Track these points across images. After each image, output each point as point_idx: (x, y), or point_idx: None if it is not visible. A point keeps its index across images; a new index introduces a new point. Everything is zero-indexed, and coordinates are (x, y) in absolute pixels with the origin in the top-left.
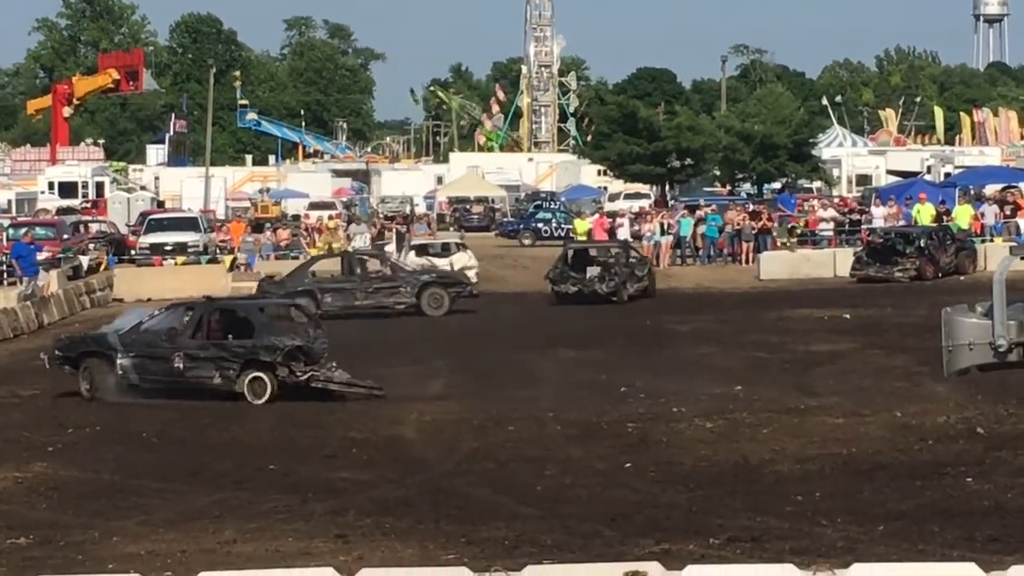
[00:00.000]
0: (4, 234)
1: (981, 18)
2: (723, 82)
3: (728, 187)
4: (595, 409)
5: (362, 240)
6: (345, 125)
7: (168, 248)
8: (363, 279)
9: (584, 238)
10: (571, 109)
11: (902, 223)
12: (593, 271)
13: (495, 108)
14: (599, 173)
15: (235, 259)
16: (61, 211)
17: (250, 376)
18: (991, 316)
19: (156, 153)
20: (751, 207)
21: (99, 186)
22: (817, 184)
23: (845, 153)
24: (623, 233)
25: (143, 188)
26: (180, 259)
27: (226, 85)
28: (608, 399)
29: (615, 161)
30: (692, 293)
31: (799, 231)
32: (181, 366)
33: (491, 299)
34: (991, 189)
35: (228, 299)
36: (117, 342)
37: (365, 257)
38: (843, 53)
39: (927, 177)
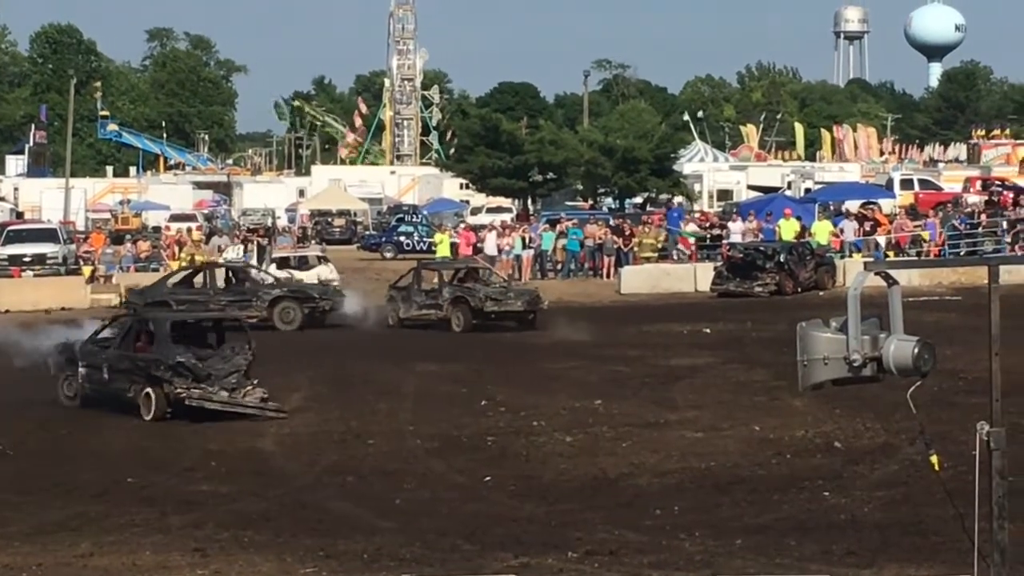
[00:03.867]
0: None
1: (842, 35)
2: (585, 96)
3: (590, 201)
4: (455, 423)
5: (234, 252)
6: (207, 137)
7: (27, 259)
8: (216, 291)
9: (447, 254)
10: (434, 122)
11: (761, 238)
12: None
13: (358, 121)
14: (461, 186)
15: (95, 271)
16: None
17: (143, 391)
18: (846, 331)
19: (15, 164)
20: (612, 222)
21: None
22: (678, 199)
23: (706, 168)
24: (490, 247)
25: (2, 199)
26: (39, 270)
27: (87, 96)
28: (468, 412)
29: (477, 175)
30: (553, 307)
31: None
32: (107, 377)
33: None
34: (851, 205)
35: (158, 309)
36: (78, 351)
37: (221, 270)
38: (705, 69)
39: (787, 192)
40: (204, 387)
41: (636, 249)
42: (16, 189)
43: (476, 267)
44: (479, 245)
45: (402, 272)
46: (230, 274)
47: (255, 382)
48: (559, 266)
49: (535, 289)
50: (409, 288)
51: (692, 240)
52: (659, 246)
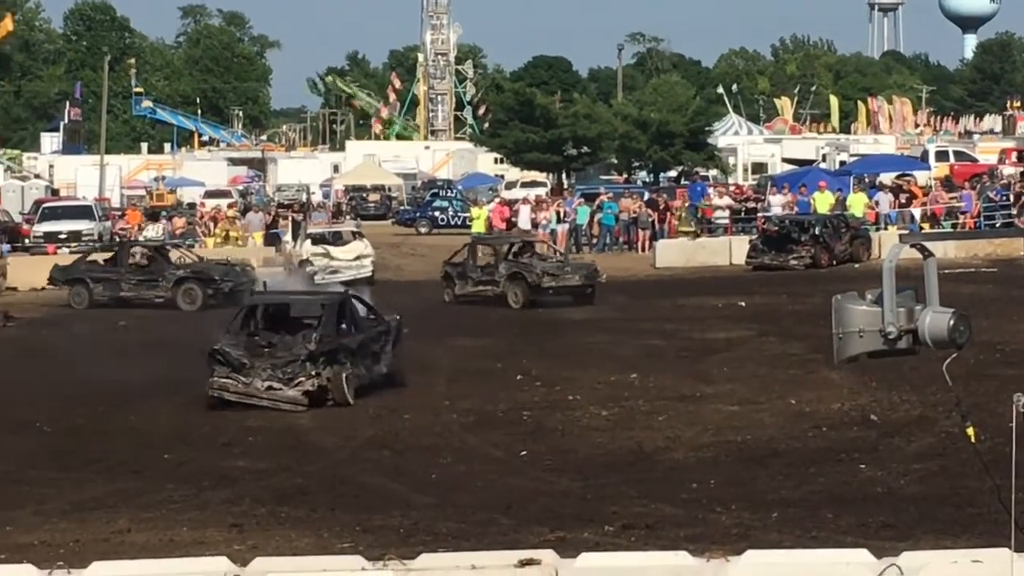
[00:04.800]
0: None
1: (876, 7)
2: (619, 70)
3: (624, 175)
4: (490, 397)
5: (155, 231)
6: (241, 113)
7: (62, 237)
8: (128, 270)
9: (482, 229)
10: (468, 97)
11: (796, 211)
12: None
13: (391, 96)
14: (496, 161)
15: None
16: None
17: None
18: (881, 303)
19: (50, 141)
20: (647, 195)
21: None
22: (713, 172)
23: (741, 141)
24: (523, 221)
25: (37, 176)
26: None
27: (121, 73)
28: (503, 387)
29: (512, 149)
30: None
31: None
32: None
33: (387, 288)
34: (886, 177)
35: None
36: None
37: (139, 249)
38: (739, 42)
39: (822, 165)
40: (236, 377)
41: (677, 222)
42: (51, 166)
43: (532, 241)
44: (513, 219)
45: (442, 247)
46: (141, 254)
47: (315, 372)
48: (594, 240)
49: (592, 263)
50: (464, 264)
51: (715, 211)
52: (699, 218)
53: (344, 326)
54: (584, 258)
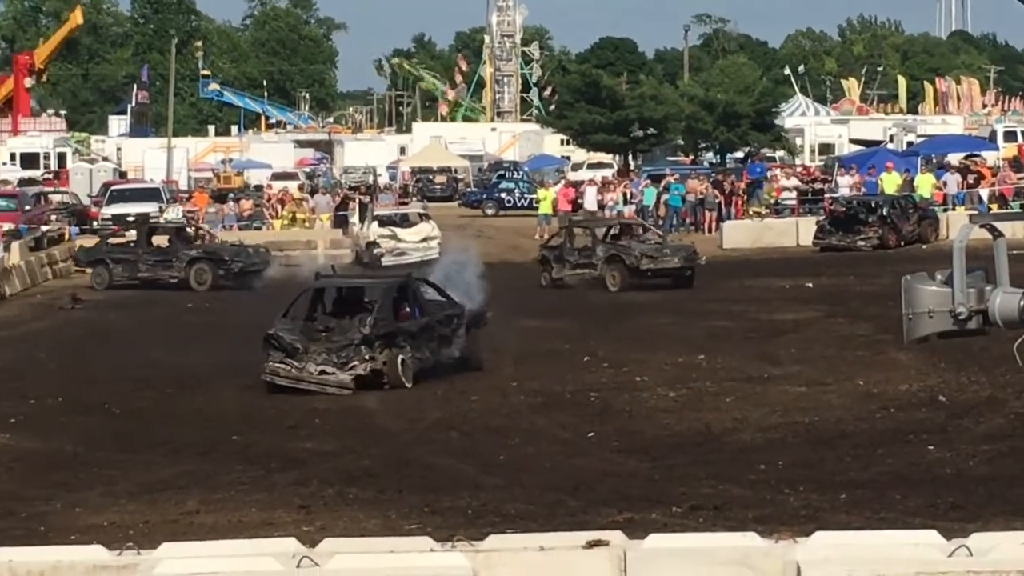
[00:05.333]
0: None
1: None
2: (685, 51)
3: (691, 156)
4: (558, 379)
5: (175, 212)
6: (307, 95)
7: (130, 219)
8: (145, 251)
9: (549, 211)
10: (534, 79)
11: (864, 192)
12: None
13: (458, 78)
14: (562, 143)
15: (199, 230)
16: (23, 182)
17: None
18: (951, 284)
19: (118, 124)
20: (714, 176)
21: (61, 157)
22: (780, 153)
23: (808, 122)
24: (589, 203)
25: (105, 159)
26: None
27: (188, 55)
28: (571, 368)
29: (578, 131)
30: None
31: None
32: None
33: None
34: (953, 158)
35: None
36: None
37: (160, 229)
38: (805, 22)
39: (889, 146)
40: (289, 361)
41: (745, 203)
42: (119, 149)
43: (630, 223)
44: (579, 201)
45: (508, 228)
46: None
47: (369, 356)
48: (660, 221)
49: (691, 244)
50: (561, 248)
51: (783, 192)
52: (771, 201)
53: (408, 309)
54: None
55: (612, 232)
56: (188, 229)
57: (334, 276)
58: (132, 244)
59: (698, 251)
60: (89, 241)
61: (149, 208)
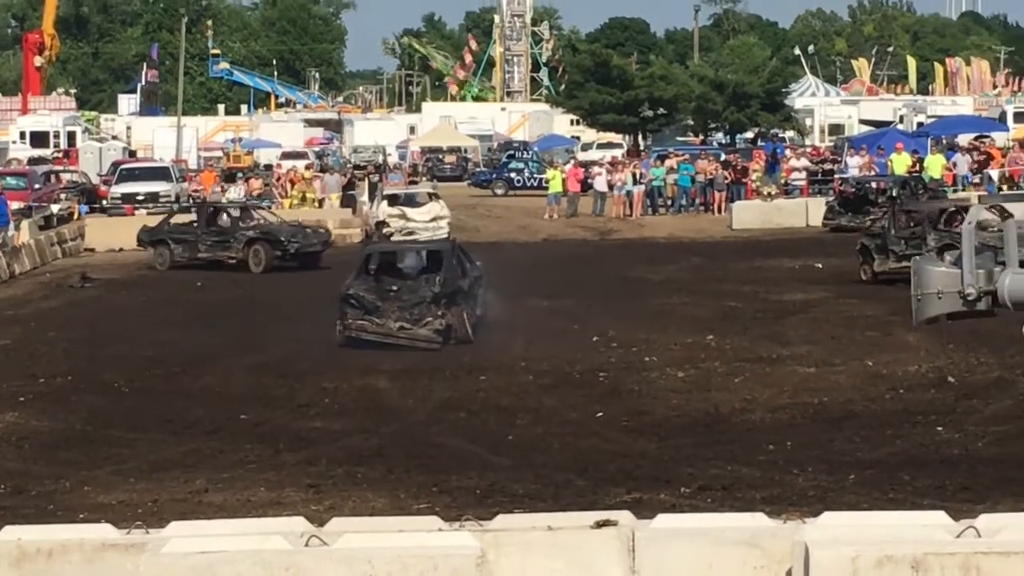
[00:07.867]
0: None
1: None
2: (695, 31)
3: (701, 137)
4: (567, 358)
5: (236, 192)
6: (317, 74)
7: (140, 198)
8: (204, 232)
9: (559, 190)
10: (544, 59)
11: (874, 172)
12: None
13: (467, 58)
14: (572, 123)
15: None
16: (32, 161)
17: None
18: (960, 265)
19: (128, 103)
20: (724, 156)
21: (71, 136)
22: (790, 134)
23: (818, 103)
24: (600, 184)
25: (115, 138)
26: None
27: (198, 34)
28: (580, 348)
29: (588, 111)
30: (665, 243)
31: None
32: None
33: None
34: (963, 139)
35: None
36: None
37: (216, 210)
38: (816, 3)
39: (899, 127)
40: (370, 319)
41: (757, 184)
42: (128, 128)
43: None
44: (589, 181)
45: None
46: (224, 214)
47: (440, 313)
48: (670, 202)
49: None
50: (884, 235)
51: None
52: (782, 181)
53: (461, 270)
54: (653, 221)
55: (945, 217)
56: (250, 208)
57: (383, 243)
58: (193, 224)
59: None
60: (149, 223)
61: (159, 187)
